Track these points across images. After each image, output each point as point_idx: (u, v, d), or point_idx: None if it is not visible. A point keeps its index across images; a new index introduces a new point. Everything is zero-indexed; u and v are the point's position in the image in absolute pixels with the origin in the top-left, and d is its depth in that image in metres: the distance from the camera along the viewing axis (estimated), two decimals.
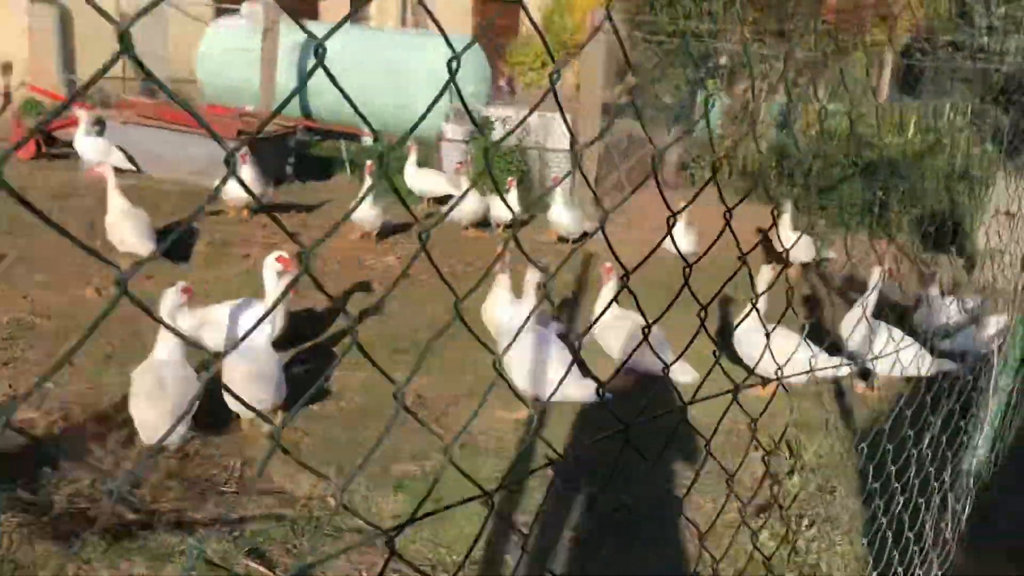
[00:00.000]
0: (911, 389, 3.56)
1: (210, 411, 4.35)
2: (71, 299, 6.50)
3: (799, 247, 8.88)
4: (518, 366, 4.89)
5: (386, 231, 8.79)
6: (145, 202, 9.24)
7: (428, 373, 5.71)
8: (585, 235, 9.18)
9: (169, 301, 4.69)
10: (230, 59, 14.59)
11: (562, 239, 9.25)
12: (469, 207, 9.06)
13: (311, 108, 14.50)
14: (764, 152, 11.85)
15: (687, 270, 1.71)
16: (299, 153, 12.43)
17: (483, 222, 9.50)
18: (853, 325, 6.04)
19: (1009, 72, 13.27)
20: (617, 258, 1.58)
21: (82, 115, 10.29)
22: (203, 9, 16.82)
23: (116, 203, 7.23)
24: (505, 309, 5.86)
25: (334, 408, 5.23)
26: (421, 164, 10.78)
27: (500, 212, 9.30)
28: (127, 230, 6.96)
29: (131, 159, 10.60)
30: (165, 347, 4.41)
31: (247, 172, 8.54)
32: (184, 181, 10.02)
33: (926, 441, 2.83)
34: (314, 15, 19.31)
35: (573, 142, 10.84)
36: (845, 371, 5.64)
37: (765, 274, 6.05)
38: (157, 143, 10.54)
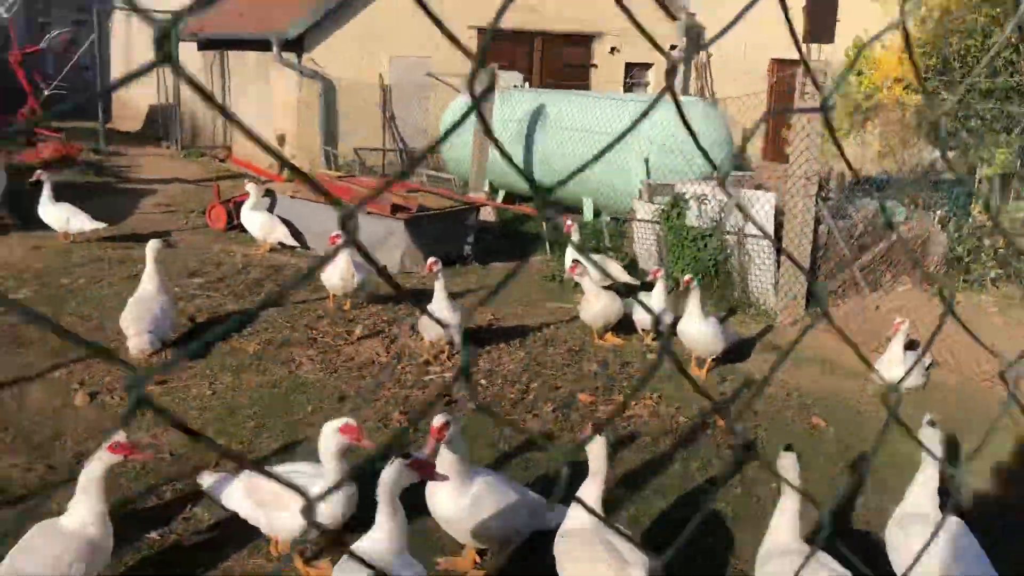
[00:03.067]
0: None
1: None
2: (63, 402, 5.75)
3: None
4: None
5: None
6: (271, 281, 8.63)
7: None
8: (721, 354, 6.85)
9: (96, 461, 3.65)
10: (463, 130, 14.02)
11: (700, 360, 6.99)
12: (598, 307, 7.19)
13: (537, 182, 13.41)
14: None
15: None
16: (487, 231, 11.34)
17: (626, 325, 7.56)
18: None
19: None
20: None
21: (251, 188, 10.00)
22: (456, 80, 16.51)
23: (143, 283, 6.49)
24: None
25: None
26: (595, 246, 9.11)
27: (646, 315, 7.32)
28: (128, 317, 6.14)
29: (297, 234, 10.12)
30: (81, 510, 3.56)
31: (343, 255, 7.47)
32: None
33: None
34: (585, 84, 18.35)
35: (778, 228, 8.52)
36: None
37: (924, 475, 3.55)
38: (323, 219, 9.94)
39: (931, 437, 4.03)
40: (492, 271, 10.24)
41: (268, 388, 6.08)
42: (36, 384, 5.99)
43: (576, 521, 3.68)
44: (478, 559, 4.23)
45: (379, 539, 3.17)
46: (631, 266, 9.63)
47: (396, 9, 15.26)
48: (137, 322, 6.08)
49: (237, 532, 4.38)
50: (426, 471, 3.30)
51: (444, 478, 3.41)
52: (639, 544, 3.62)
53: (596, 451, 3.79)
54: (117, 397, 5.83)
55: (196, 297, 7.86)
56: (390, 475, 3.22)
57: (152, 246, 6.51)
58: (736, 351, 7.29)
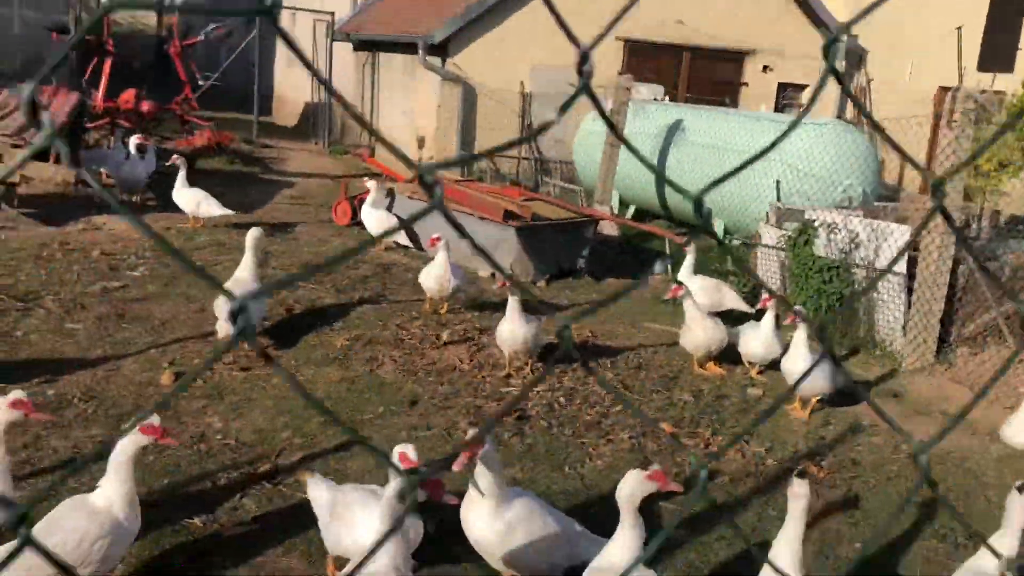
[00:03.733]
0: None
1: None
2: (150, 379, 5.89)
3: None
4: None
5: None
6: (377, 279, 8.64)
7: None
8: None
9: (127, 442, 3.61)
10: (596, 142, 13.80)
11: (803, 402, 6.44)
12: (699, 334, 6.78)
13: (668, 200, 13.03)
14: None
15: None
16: (608, 246, 11.05)
17: (732, 355, 7.10)
18: None
19: None
20: None
21: (372, 186, 10.10)
22: (599, 91, 16.24)
23: (238, 270, 6.58)
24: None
25: None
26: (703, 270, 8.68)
27: (753, 348, 6.86)
28: (219, 301, 6.23)
29: (413, 235, 10.15)
30: (110, 488, 3.56)
31: (440, 258, 7.38)
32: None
33: None
34: (734, 102, 17.71)
35: (911, 264, 7.83)
36: None
37: None
38: (439, 222, 9.91)
39: (1018, 504, 3.65)
40: (605, 287, 9.94)
41: (346, 384, 6.04)
42: (130, 359, 6.18)
43: (607, 561, 3.38)
44: None
45: (379, 554, 2.97)
46: (753, 293, 9.12)
47: (539, 19, 15.17)
48: (226, 308, 6.15)
49: (279, 529, 4.31)
50: (435, 491, 3.06)
51: (455, 501, 3.17)
52: None
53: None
54: (201, 380, 5.92)
55: (300, 288, 7.95)
56: (393, 491, 3.01)
57: (252, 234, 6.59)
58: (849, 394, 6.72)
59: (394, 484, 3.01)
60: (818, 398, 6.35)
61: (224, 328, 6.17)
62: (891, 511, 5.09)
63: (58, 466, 4.68)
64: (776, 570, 3.59)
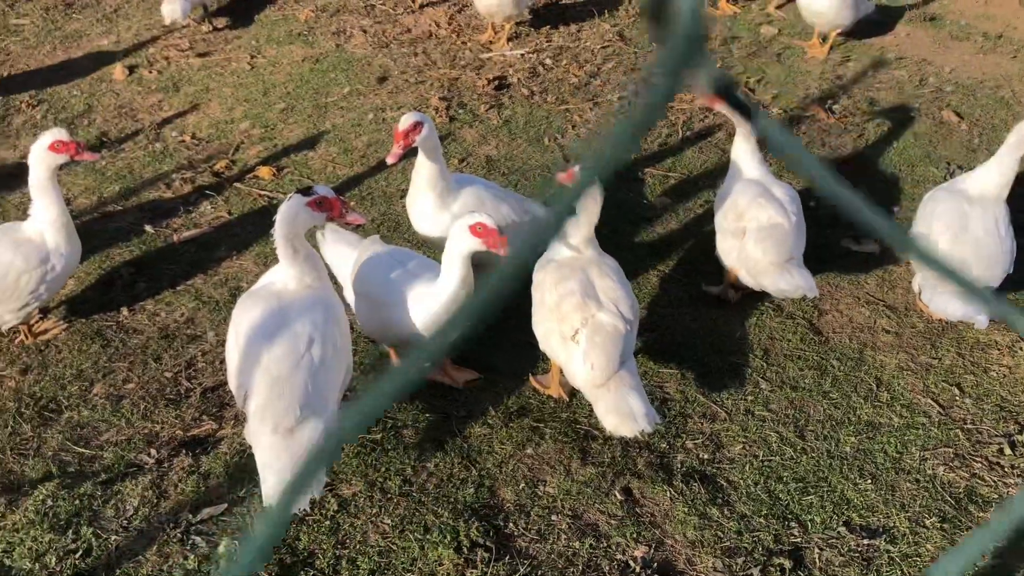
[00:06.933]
0: None
1: None
2: (101, 74, 5.44)
3: None
4: None
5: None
6: None
7: None
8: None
9: (39, 164, 3.32)
10: None
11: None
12: None
13: None
14: None
15: None
16: None
17: None
18: None
19: None
20: None
21: None
22: None
23: None
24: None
25: None
26: None
27: None
28: None
29: None
30: (39, 216, 3.32)
31: None
32: None
33: None
34: None
35: None
36: None
37: None
38: None
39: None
40: None
41: (310, 64, 5.51)
42: (81, 53, 5.70)
43: (565, 253, 3.09)
44: None
45: (287, 279, 2.69)
46: None
47: None
48: None
49: (234, 231, 4.09)
50: (333, 209, 2.65)
51: (360, 219, 2.76)
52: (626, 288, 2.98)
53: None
54: (156, 71, 5.46)
55: None
56: (284, 213, 2.61)
57: None
58: (877, 22, 5.97)
59: (286, 204, 2.61)
60: (839, 32, 5.64)
61: (168, 11, 5.57)
62: (905, 158, 4.64)
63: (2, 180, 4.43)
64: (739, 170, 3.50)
